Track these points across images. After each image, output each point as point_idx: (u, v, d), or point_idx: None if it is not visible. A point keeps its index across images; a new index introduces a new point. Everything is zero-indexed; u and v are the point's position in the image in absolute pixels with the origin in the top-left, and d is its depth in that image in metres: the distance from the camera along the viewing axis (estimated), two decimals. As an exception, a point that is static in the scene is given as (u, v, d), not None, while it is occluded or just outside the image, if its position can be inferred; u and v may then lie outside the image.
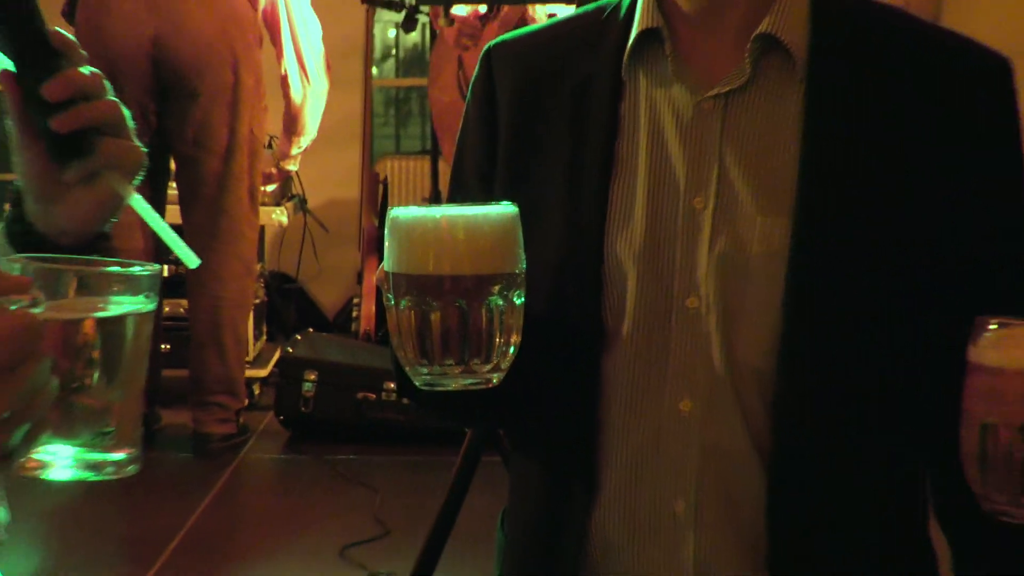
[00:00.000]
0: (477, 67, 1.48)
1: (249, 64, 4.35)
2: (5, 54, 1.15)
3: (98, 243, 1.24)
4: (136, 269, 1.02)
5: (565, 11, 3.67)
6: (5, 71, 1.15)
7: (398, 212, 1.16)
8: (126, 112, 1.20)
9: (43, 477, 1.00)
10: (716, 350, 1.30)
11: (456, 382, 1.14)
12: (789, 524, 1.31)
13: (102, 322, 1.01)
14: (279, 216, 5.20)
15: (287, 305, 5.80)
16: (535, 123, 1.41)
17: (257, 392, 5.04)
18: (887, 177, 1.30)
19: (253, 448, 4.52)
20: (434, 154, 5.50)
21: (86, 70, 1.16)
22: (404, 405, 4.45)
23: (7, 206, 1.26)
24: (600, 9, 1.43)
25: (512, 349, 1.16)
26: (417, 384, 1.15)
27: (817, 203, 1.29)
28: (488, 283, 1.14)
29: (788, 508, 1.31)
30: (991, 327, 1.06)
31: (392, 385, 4.42)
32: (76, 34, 4.33)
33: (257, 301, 5.24)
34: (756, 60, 1.32)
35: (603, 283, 1.34)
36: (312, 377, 4.52)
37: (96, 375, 1.01)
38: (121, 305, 1.02)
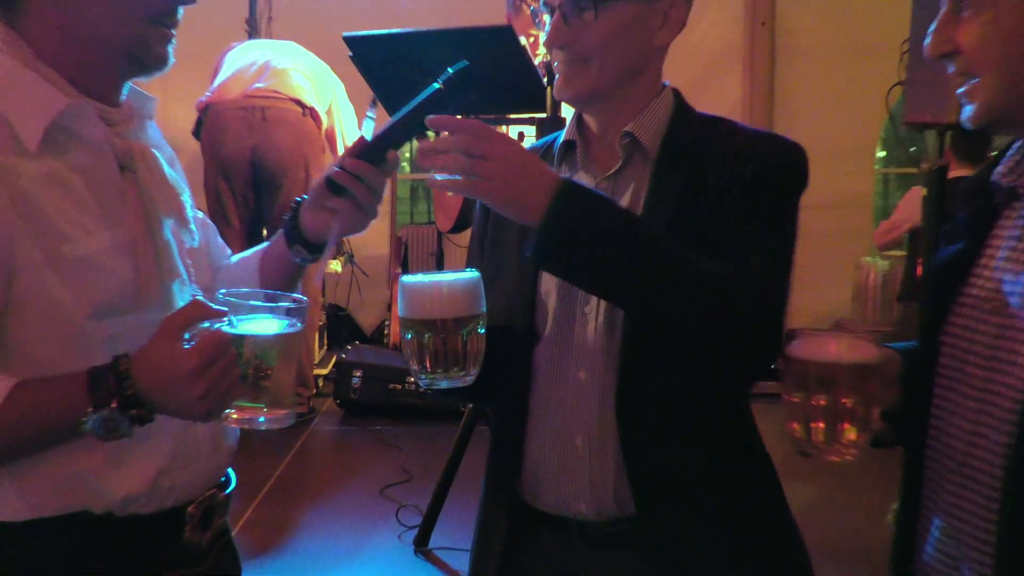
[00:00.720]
0: None
1: (317, 165, 4.32)
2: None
3: (325, 250, 1.32)
4: (285, 304, 1.10)
5: (529, 129, 3.68)
6: (361, 138, 1.27)
7: (405, 278, 1.22)
8: (374, 209, 1.28)
9: (238, 427, 1.10)
10: (600, 339, 1.30)
11: (444, 384, 1.20)
12: (640, 448, 1.29)
13: (263, 338, 1.09)
14: (335, 266, 5.20)
15: (340, 325, 5.79)
16: None
17: (321, 384, 5.01)
18: (698, 214, 1.27)
19: (319, 422, 4.51)
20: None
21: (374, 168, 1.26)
22: (421, 392, 4.43)
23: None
24: (551, 138, 1.45)
25: (478, 361, 1.21)
26: (420, 386, 1.21)
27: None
28: (461, 322, 1.19)
29: (637, 436, 1.29)
30: (797, 333, 1.06)
31: (412, 378, 4.45)
32: (201, 146, 4.35)
33: (321, 323, 5.24)
34: (628, 153, 1.33)
35: (536, 302, 1.34)
36: (358, 374, 4.54)
37: (266, 367, 1.07)
38: (278, 327, 1.09)
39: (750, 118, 5.63)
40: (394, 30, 2.97)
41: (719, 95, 5.57)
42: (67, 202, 1.11)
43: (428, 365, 1.19)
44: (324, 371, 5.13)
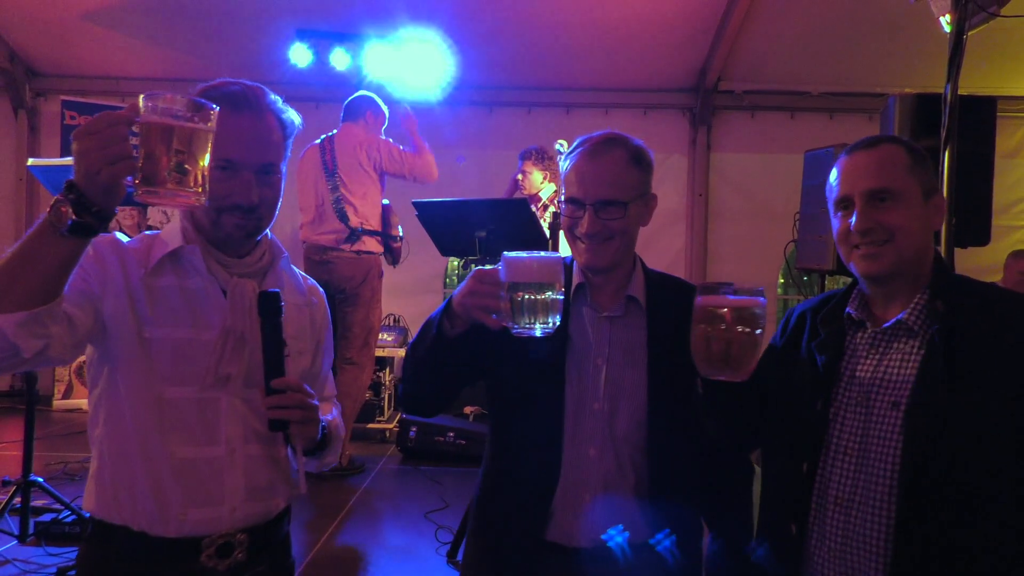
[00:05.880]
0: None
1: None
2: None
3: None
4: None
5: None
6: None
7: (508, 254, 1.14)
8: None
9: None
10: (607, 424, 1.30)
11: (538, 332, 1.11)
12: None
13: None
14: (400, 352, 5.17)
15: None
16: None
17: (388, 435, 4.90)
18: (676, 348, 1.26)
19: (386, 463, 4.37)
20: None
21: None
22: (457, 444, 4.33)
23: None
24: (568, 259, 1.44)
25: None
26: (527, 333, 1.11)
27: (656, 361, 1.31)
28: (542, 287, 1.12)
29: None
30: (700, 287, 1.13)
31: (452, 433, 4.35)
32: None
33: (390, 392, 5.18)
34: (627, 305, 1.35)
35: (564, 396, 1.31)
36: (414, 429, 4.41)
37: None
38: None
39: (691, 261, 5.68)
40: (446, 199, 3.01)
41: (669, 245, 5.62)
42: (159, 306, 1.17)
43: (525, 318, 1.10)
44: (391, 426, 5.01)
